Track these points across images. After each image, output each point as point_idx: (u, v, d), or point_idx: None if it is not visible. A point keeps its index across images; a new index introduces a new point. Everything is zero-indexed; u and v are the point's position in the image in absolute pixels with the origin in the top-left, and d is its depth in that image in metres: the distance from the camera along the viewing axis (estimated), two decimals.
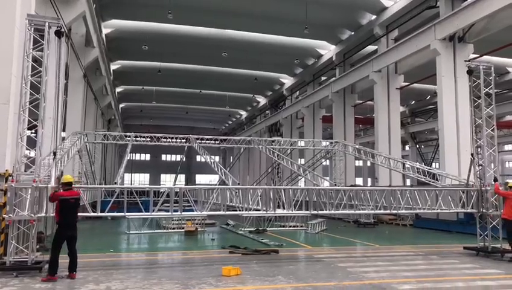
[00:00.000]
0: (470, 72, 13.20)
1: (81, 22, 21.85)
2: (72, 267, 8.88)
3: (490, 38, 22.72)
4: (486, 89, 13.11)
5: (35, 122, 9.81)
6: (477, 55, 24.98)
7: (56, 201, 9.13)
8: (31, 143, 9.98)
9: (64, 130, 20.30)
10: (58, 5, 17.58)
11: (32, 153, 10.01)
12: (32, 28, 10.07)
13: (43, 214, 9.56)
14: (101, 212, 11.14)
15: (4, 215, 9.38)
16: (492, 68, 13.30)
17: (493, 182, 12.60)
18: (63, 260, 8.95)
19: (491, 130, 13.04)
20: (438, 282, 8.75)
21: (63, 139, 18.57)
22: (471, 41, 22.36)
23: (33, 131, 10.10)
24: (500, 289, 8.28)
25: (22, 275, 8.91)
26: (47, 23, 10.03)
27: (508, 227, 11.84)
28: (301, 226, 20.47)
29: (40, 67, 9.98)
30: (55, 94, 10.48)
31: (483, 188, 12.73)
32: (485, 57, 25.41)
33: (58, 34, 10.18)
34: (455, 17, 21.12)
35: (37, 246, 10.72)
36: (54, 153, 10.17)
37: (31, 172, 9.75)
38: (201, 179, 74.96)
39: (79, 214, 9.65)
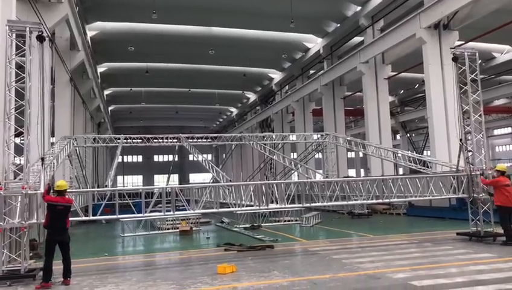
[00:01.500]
0: (455, 59, 13.30)
1: (64, 26, 21.59)
2: (66, 273, 8.80)
3: (475, 24, 22.89)
4: (472, 76, 13.19)
5: (21, 129, 9.70)
6: (463, 42, 25.14)
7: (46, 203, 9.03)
8: (20, 150, 9.87)
9: (53, 136, 20.11)
10: (40, 9, 17.35)
11: (21, 160, 9.89)
12: (14, 34, 9.93)
13: (34, 221, 9.47)
14: (93, 216, 11.01)
15: None
16: (477, 54, 13.40)
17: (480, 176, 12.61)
18: (58, 266, 8.88)
19: (479, 116, 13.15)
20: (432, 269, 8.82)
21: (52, 144, 18.42)
22: (456, 29, 22.47)
23: (22, 138, 9.98)
24: (492, 272, 8.35)
25: (16, 283, 8.80)
26: (28, 28, 9.88)
27: (500, 213, 11.93)
28: (296, 220, 20.50)
29: (24, 74, 9.85)
30: (41, 100, 10.35)
31: (473, 173, 12.85)
32: (470, 44, 25.56)
33: (40, 38, 10.04)
34: (439, 5, 21.19)
35: (31, 254, 10.65)
36: (42, 159, 10.07)
37: (20, 179, 9.64)
38: (195, 178, 74.85)
39: (72, 218, 9.57)
